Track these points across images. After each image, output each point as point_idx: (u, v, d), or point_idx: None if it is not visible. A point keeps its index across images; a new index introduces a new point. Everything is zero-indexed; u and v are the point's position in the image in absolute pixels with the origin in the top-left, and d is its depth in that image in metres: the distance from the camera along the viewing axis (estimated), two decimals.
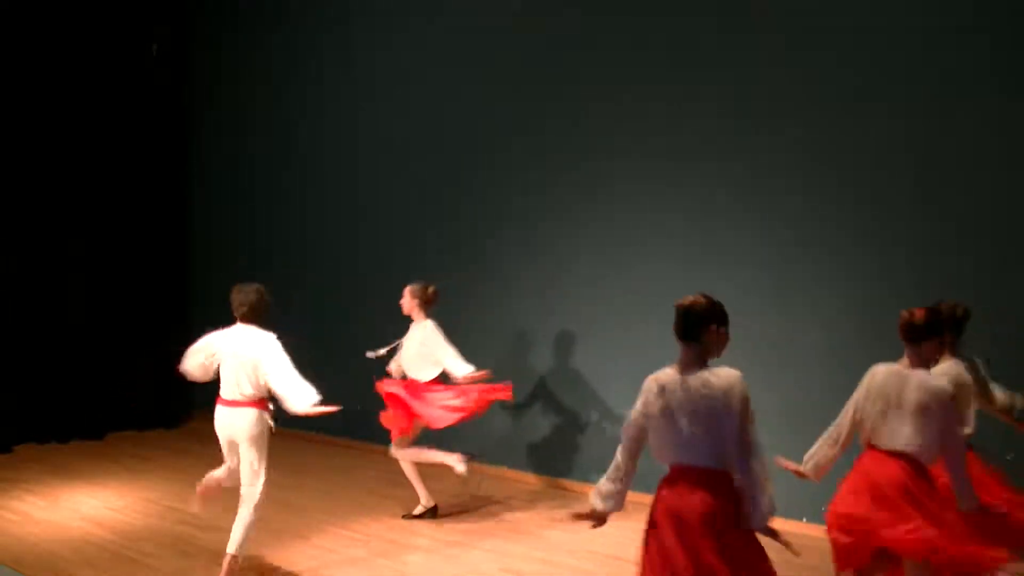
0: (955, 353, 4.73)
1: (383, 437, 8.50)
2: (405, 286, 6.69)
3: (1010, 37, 5.51)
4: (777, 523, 6.29)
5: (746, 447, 3.44)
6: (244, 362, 5.04)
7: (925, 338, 4.17)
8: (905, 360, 4.24)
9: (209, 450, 8.78)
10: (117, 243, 9.71)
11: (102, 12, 9.66)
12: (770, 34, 6.41)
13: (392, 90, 8.80)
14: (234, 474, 5.26)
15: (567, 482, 7.41)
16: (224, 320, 9.04)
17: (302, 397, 5.01)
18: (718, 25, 6.66)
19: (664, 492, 3.52)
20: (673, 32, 6.89)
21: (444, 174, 8.39)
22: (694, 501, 3.40)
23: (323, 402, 5.14)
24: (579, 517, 3.80)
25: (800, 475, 4.46)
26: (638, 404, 3.61)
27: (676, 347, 6.70)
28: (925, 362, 4.20)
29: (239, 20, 10.32)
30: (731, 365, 6.47)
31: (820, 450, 4.42)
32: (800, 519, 6.21)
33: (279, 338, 5.39)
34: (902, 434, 4.08)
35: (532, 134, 7.72)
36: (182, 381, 9.15)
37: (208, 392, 9.88)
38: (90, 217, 9.54)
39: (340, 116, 9.28)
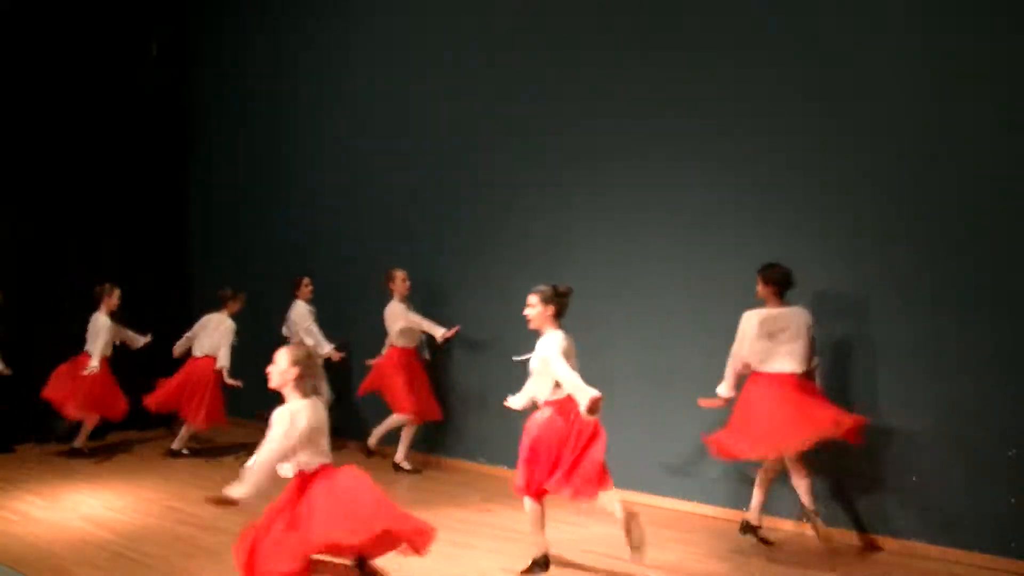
0: None
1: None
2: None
3: (1012, 37, 5.50)
4: (778, 523, 6.33)
5: None
6: None
7: None
8: None
9: (209, 450, 8.82)
10: (117, 242, 9.72)
11: (102, 12, 9.67)
12: (773, 33, 6.40)
13: (392, 89, 8.81)
14: None
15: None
16: None
17: None
18: (719, 25, 6.65)
19: None
20: (675, 31, 6.88)
21: (445, 173, 8.38)
22: None
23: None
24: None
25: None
26: None
27: (676, 348, 6.73)
28: None
29: (239, 20, 10.33)
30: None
31: None
32: (801, 519, 6.20)
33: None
34: None
35: (532, 134, 7.72)
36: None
37: None
38: (90, 217, 9.56)
39: (340, 115, 9.28)
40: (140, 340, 8.72)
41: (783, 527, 6.25)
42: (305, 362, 4.20)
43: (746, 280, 6.45)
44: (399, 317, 7.83)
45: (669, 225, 6.88)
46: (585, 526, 6.32)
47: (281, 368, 4.17)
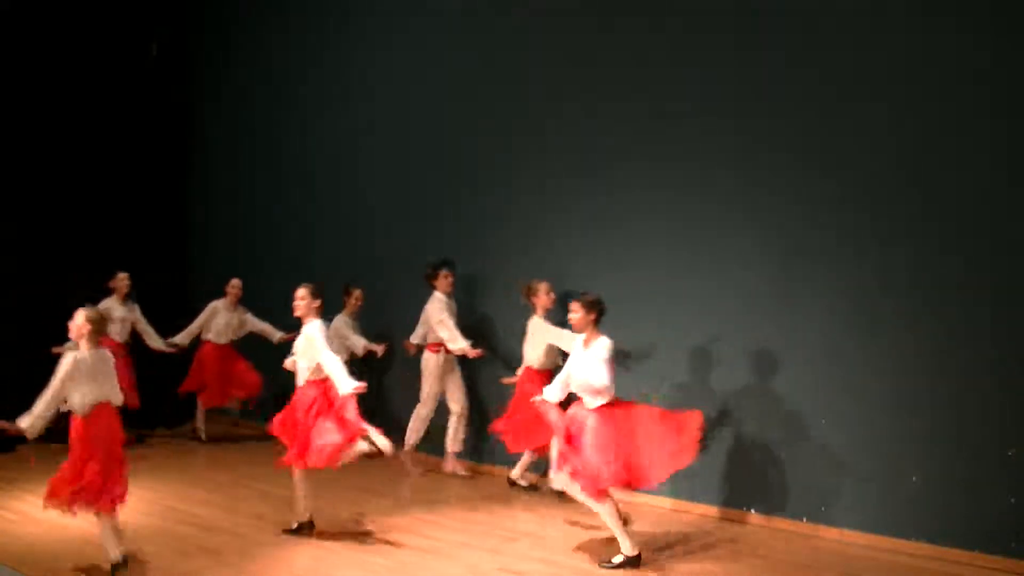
0: None
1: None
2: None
3: (1012, 37, 5.51)
4: (779, 522, 6.34)
5: None
6: None
7: None
8: None
9: (209, 450, 8.83)
10: (116, 242, 9.71)
11: (102, 12, 9.67)
12: (772, 34, 6.40)
13: (392, 89, 8.80)
14: None
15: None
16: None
17: None
18: (720, 26, 6.65)
19: None
20: (675, 36, 6.88)
21: (444, 172, 8.38)
22: None
23: None
24: None
25: None
26: None
27: (675, 349, 6.72)
28: None
29: (239, 19, 10.32)
30: (729, 367, 6.52)
31: None
32: (801, 519, 6.21)
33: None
34: None
35: (532, 135, 7.71)
36: (183, 381, 9.19)
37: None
38: (90, 217, 9.55)
39: (339, 115, 9.27)
40: (277, 335, 8.85)
41: (782, 527, 6.25)
42: (97, 320, 5.15)
43: (747, 281, 6.47)
44: (541, 334, 6.95)
45: (670, 224, 6.88)
46: (588, 527, 6.33)
47: (78, 324, 5.10)
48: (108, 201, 9.71)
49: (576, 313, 5.60)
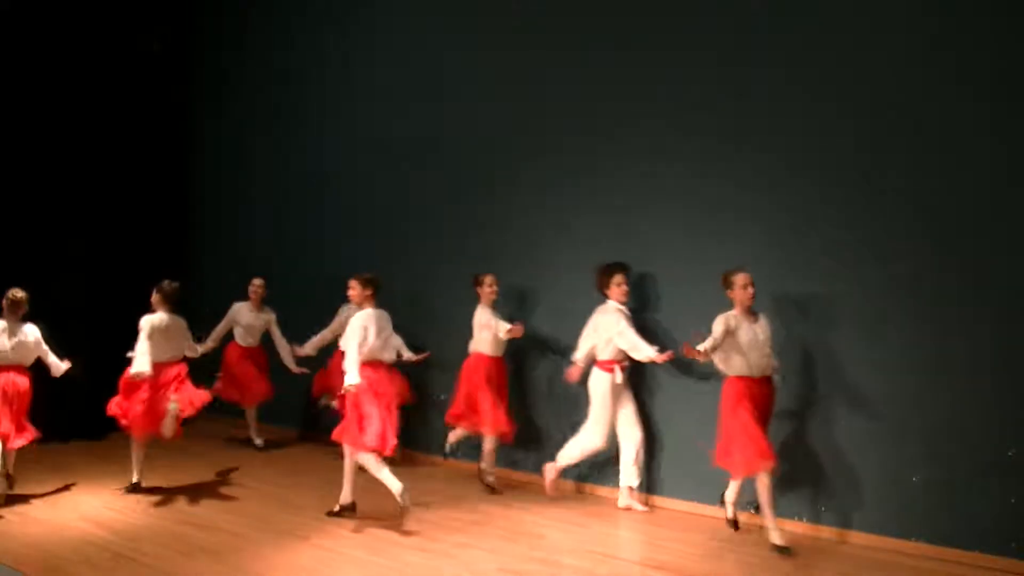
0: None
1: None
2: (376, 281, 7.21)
3: (1007, 44, 5.51)
4: (779, 522, 6.33)
5: None
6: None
7: None
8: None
9: (209, 450, 8.81)
10: (117, 242, 9.72)
11: (104, 10, 9.68)
12: (774, 32, 6.41)
13: (392, 89, 8.81)
14: None
15: (567, 482, 7.40)
16: (222, 318, 9.07)
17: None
18: (722, 24, 6.65)
19: None
20: (679, 25, 6.89)
21: (444, 172, 8.38)
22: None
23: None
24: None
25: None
26: None
27: (678, 347, 6.72)
28: None
29: (240, 19, 10.33)
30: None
31: None
32: (800, 519, 6.21)
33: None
34: None
35: (533, 133, 7.72)
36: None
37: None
38: (90, 216, 9.55)
39: (340, 114, 9.28)
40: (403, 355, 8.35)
41: (782, 527, 6.25)
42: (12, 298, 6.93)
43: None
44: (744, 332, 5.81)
45: (667, 224, 6.88)
46: (588, 526, 6.33)
47: None
48: (107, 200, 9.71)
49: (353, 290, 6.60)
